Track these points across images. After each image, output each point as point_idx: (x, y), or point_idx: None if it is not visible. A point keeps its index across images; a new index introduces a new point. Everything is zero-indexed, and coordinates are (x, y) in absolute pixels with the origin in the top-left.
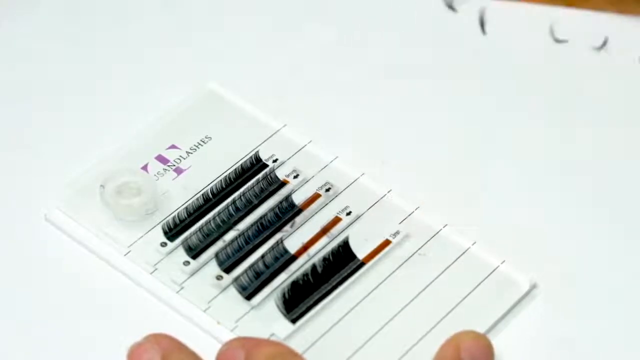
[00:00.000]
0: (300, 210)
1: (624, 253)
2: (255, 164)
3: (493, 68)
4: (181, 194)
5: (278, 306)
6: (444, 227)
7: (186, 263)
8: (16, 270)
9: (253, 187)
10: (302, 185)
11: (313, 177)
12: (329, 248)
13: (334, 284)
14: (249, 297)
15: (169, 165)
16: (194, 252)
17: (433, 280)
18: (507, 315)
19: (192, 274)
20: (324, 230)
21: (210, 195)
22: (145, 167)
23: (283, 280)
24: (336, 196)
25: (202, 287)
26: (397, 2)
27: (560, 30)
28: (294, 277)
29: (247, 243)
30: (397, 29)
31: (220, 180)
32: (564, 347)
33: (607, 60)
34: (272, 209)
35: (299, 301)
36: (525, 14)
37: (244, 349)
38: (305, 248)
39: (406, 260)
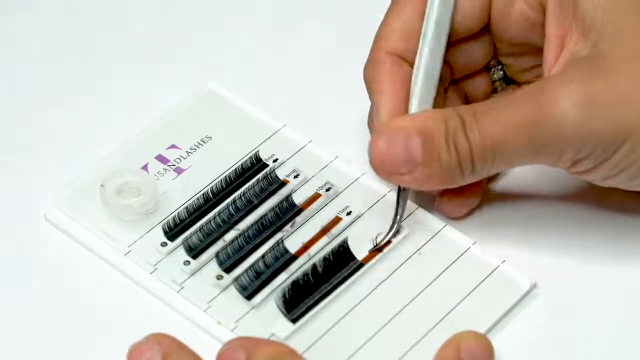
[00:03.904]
0: (300, 210)
1: (624, 253)
2: (256, 164)
3: None
4: (181, 194)
5: (279, 306)
6: (444, 227)
7: (187, 263)
8: (16, 270)
9: (253, 187)
10: (302, 185)
11: (313, 177)
12: (329, 248)
13: (334, 284)
14: (249, 297)
15: (169, 165)
16: (195, 252)
17: (433, 281)
18: (507, 315)
19: (193, 274)
20: (325, 231)
21: (211, 195)
22: (145, 167)
23: (284, 280)
24: (336, 196)
25: (203, 287)
26: None
27: None
28: (294, 277)
29: (247, 243)
30: None
31: (221, 180)
32: (564, 347)
33: None
34: (272, 209)
35: (299, 301)
36: None
37: (244, 349)
38: (305, 248)
39: (406, 260)
